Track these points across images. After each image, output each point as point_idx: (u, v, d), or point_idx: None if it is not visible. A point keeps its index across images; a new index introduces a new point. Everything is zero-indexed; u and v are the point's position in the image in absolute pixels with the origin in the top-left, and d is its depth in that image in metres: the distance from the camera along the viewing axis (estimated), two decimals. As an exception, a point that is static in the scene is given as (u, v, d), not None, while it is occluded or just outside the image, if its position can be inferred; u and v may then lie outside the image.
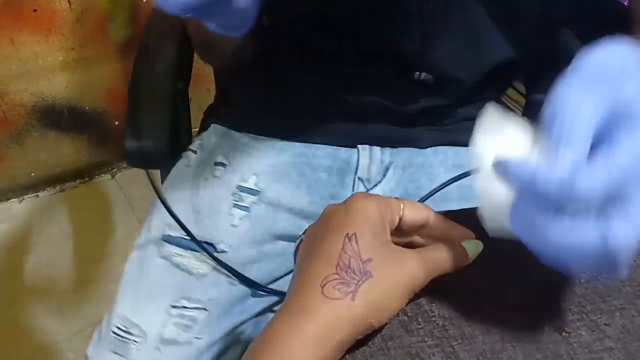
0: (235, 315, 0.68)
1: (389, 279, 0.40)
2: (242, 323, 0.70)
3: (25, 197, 1.75)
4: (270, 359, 0.36)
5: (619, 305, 0.44)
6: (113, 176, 1.83)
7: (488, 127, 0.32)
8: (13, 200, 1.73)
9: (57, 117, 1.63)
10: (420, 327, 0.43)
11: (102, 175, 1.83)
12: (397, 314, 0.42)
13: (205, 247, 0.67)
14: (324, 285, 0.38)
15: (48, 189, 1.77)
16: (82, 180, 1.81)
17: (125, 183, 1.81)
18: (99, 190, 1.79)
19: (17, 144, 1.62)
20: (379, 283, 0.39)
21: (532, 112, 0.90)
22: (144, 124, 0.73)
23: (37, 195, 1.76)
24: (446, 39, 0.68)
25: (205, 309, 0.66)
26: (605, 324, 0.43)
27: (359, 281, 0.38)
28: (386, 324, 0.40)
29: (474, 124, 0.37)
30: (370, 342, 0.43)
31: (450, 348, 0.42)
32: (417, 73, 0.69)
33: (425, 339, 0.42)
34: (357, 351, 0.42)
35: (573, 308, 0.44)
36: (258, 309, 0.71)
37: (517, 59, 0.72)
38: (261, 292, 0.70)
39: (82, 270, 1.57)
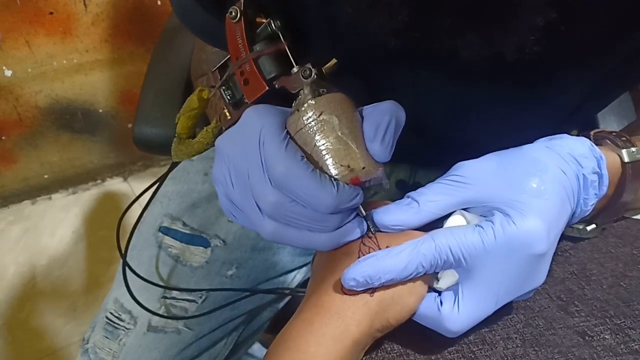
0: (227, 310, 0.68)
1: None
2: (232, 319, 0.70)
3: (38, 198, 1.76)
4: (288, 356, 0.36)
5: (643, 311, 0.44)
6: (125, 179, 1.84)
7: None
8: (26, 201, 1.75)
9: (70, 119, 1.64)
10: (439, 332, 0.42)
11: (115, 177, 1.84)
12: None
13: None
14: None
15: (61, 190, 1.78)
16: (94, 183, 1.82)
17: (137, 185, 1.82)
18: (111, 193, 1.80)
19: (31, 145, 1.63)
20: None
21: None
22: (154, 109, 0.74)
23: (50, 197, 1.77)
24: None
25: (196, 302, 0.67)
26: (630, 328, 0.42)
27: None
28: (405, 327, 0.40)
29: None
30: (389, 348, 0.42)
31: (471, 354, 0.41)
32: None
33: (445, 344, 0.42)
34: (376, 356, 0.42)
35: (596, 313, 0.44)
36: (250, 306, 0.71)
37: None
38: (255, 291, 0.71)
39: (95, 272, 1.57)
